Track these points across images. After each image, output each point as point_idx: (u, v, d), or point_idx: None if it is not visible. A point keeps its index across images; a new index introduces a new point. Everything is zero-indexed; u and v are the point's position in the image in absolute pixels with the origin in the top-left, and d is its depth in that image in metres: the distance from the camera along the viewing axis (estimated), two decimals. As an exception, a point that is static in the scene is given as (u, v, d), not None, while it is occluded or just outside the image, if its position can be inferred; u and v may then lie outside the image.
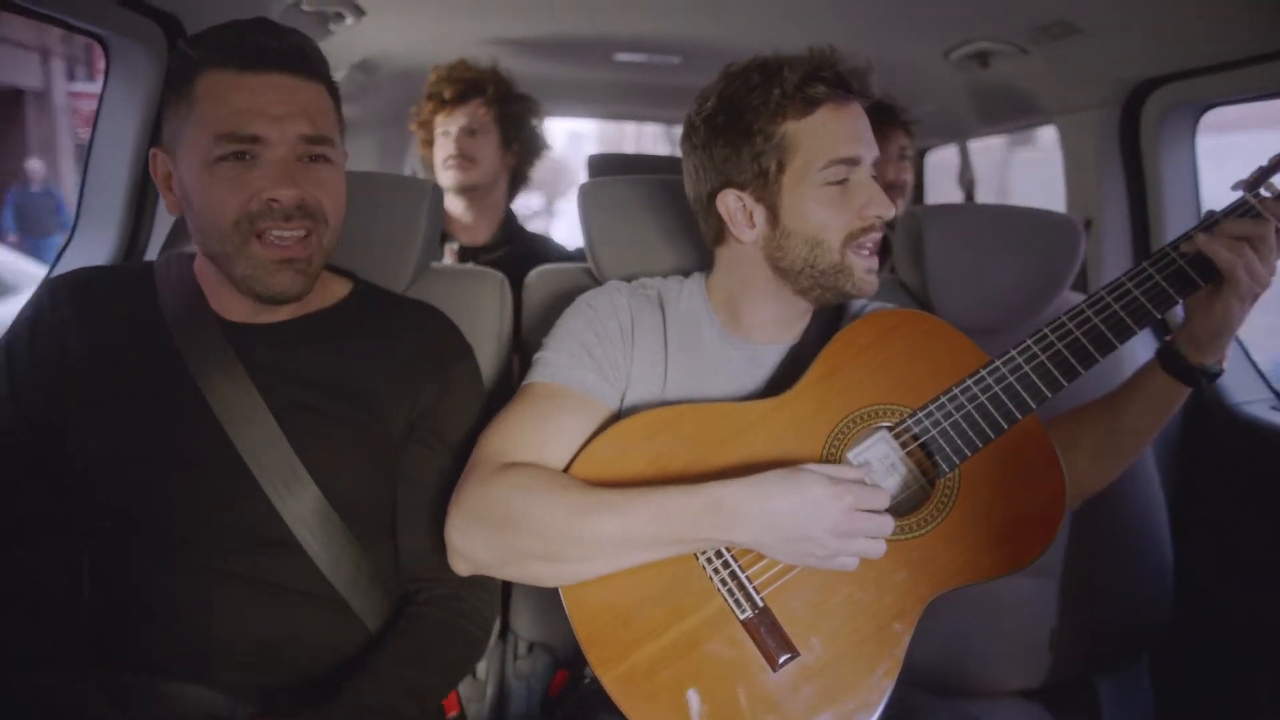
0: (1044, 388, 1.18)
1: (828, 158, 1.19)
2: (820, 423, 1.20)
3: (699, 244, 1.49)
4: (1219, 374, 1.25)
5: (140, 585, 1.17)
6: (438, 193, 1.54)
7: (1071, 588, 1.59)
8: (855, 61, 1.20)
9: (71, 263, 1.71)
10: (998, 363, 1.19)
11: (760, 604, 1.13)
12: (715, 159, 1.24)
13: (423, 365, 1.27)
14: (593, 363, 1.25)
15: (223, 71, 1.12)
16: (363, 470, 1.23)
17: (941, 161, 3.69)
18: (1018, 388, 1.18)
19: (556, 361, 1.25)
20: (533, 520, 1.10)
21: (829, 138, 1.19)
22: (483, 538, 1.13)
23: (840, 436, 1.19)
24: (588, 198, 1.56)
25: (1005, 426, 1.17)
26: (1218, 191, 1.39)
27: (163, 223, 1.82)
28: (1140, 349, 1.35)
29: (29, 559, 1.25)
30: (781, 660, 1.11)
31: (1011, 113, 2.71)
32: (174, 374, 1.19)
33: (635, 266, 1.49)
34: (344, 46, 2.40)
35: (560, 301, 1.35)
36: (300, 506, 1.17)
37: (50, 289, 1.26)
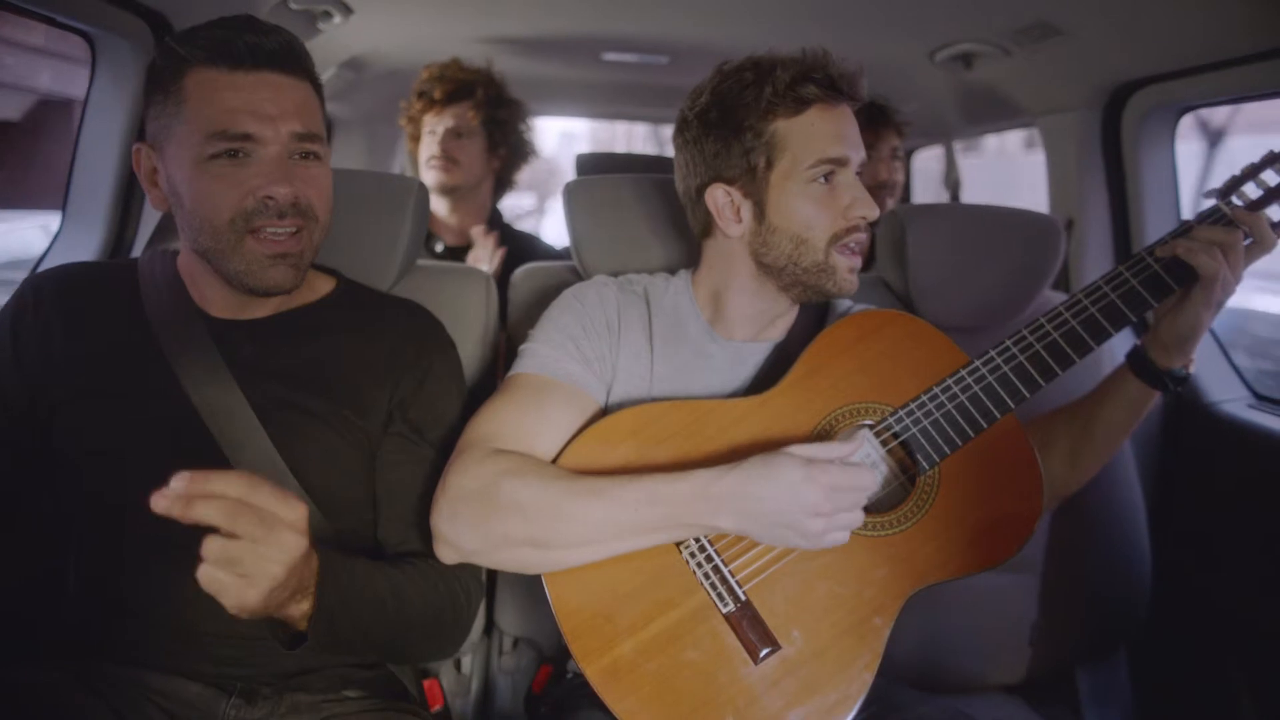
0: (1022, 388, 1.20)
1: (816, 157, 1.21)
2: (803, 420, 1.21)
3: (683, 242, 1.51)
4: (1185, 378, 1.27)
5: (123, 579, 1.17)
6: (423, 191, 1.55)
7: (1051, 582, 1.61)
8: (846, 65, 1.22)
9: (58, 258, 1.71)
10: (977, 363, 1.21)
11: (743, 598, 1.14)
12: (706, 153, 1.26)
13: (402, 359, 1.28)
14: (580, 356, 1.26)
15: (213, 69, 1.13)
16: (345, 466, 1.23)
17: (922, 165, 3.72)
18: (997, 388, 1.20)
19: (544, 353, 1.26)
20: (524, 506, 1.11)
21: (818, 137, 1.21)
22: (471, 523, 1.13)
23: (823, 434, 1.21)
24: (573, 196, 1.57)
25: (985, 425, 1.19)
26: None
27: (149, 219, 1.82)
28: (1120, 350, 1.37)
29: (13, 553, 1.25)
30: (763, 653, 1.12)
31: (995, 114, 2.73)
32: (157, 370, 1.19)
33: (620, 264, 1.50)
34: (332, 45, 2.40)
35: (545, 299, 1.36)
36: None
37: (33, 285, 1.26)
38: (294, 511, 0.90)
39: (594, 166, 2.75)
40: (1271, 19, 1.56)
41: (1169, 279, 1.20)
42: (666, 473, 1.12)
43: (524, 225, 3.48)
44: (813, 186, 1.22)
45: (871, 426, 1.22)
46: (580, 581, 1.15)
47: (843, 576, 1.15)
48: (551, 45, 2.68)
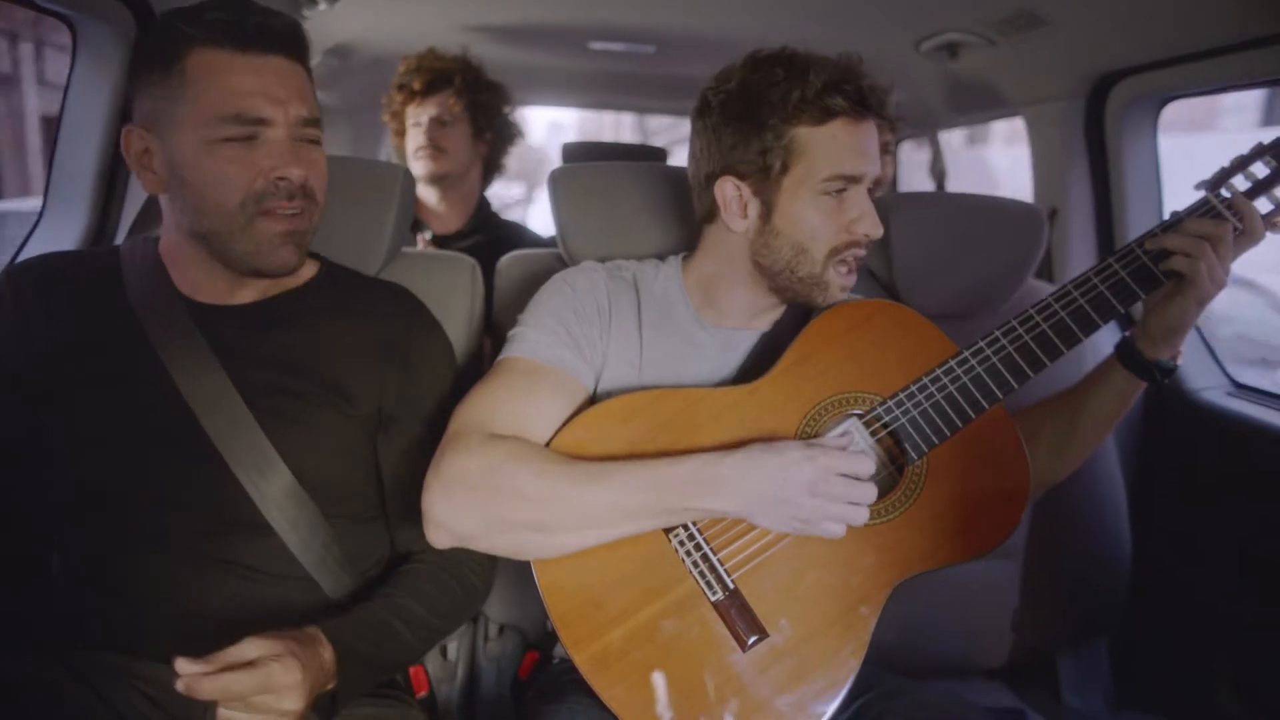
0: (1011, 379, 1.21)
1: (833, 171, 1.20)
2: (793, 409, 1.22)
3: (669, 231, 1.51)
4: (1173, 369, 1.28)
5: (111, 567, 1.17)
6: (409, 178, 1.54)
7: (1033, 570, 1.63)
8: (878, 79, 1.21)
9: (40, 246, 1.69)
10: (966, 353, 1.22)
11: (731, 586, 1.15)
12: (723, 144, 1.24)
13: (390, 341, 1.28)
14: (571, 341, 1.25)
15: (218, 50, 1.12)
16: (333, 450, 1.23)
17: (905, 156, 3.73)
18: (985, 379, 1.21)
19: (535, 338, 1.25)
20: (526, 489, 1.11)
21: (838, 151, 1.20)
22: (468, 507, 1.12)
23: (812, 423, 1.21)
24: (558, 184, 1.57)
25: (973, 416, 1.20)
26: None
27: (132, 205, 1.80)
28: (1105, 342, 1.38)
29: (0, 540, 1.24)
30: (751, 641, 1.13)
31: (981, 104, 2.74)
32: (142, 357, 1.18)
33: (605, 252, 1.50)
34: (317, 31, 2.37)
35: (531, 286, 1.36)
36: (270, 488, 1.17)
37: (9, 276, 1.25)
38: (290, 676, 0.98)
39: (580, 155, 2.75)
40: (1251, 9, 1.58)
41: (1157, 270, 1.21)
42: (666, 458, 1.12)
43: (512, 214, 3.47)
44: (823, 199, 1.21)
45: (860, 416, 1.23)
46: (569, 569, 1.15)
47: (831, 565, 1.16)
48: (538, 33, 2.67)
